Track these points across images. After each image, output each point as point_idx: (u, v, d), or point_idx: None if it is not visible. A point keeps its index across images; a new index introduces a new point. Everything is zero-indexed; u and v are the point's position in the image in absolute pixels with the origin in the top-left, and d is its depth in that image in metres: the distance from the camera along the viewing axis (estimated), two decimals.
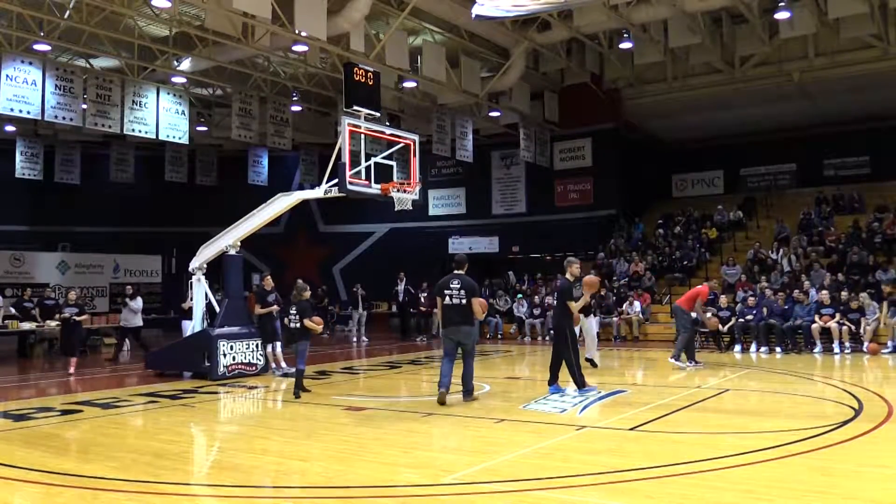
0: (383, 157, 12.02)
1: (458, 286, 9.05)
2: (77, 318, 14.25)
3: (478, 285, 9.47)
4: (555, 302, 10.16)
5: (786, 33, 18.84)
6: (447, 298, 9.10)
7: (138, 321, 16.19)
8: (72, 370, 13.61)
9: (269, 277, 13.52)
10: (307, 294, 11.02)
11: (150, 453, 6.79)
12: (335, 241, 29.44)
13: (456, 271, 9.30)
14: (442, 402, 8.80)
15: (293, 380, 11.99)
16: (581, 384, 9.47)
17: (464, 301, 8.99)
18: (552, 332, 10.29)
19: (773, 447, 6.33)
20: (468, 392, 9.23)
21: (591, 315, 12.93)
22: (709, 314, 14.50)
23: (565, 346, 9.63)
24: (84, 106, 17.81)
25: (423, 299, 20.96)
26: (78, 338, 14.56)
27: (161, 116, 19.13)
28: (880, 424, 7.30)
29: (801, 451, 6.19)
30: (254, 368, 12.61)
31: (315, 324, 10.53)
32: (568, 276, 9.95)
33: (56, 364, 15.93)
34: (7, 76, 16.09)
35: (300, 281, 11.27)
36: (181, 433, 8.16)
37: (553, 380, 9.72)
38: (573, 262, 10.01)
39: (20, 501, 5.38)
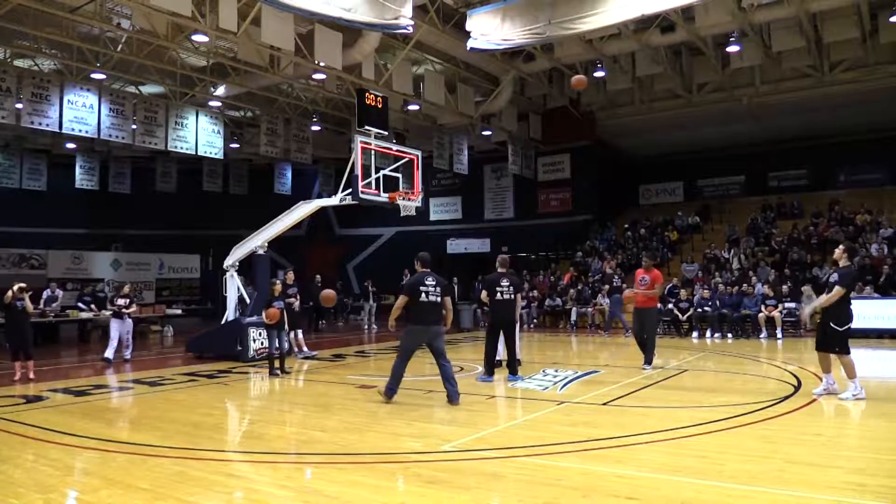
0: (391, 170, 12.01)
1: (434, 283, 7.67)
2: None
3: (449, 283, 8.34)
4: (512, 296, 9.10)
5: (736, 64, 18.85)
6: (423, 296, 7.54)
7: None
8: (31, 374, 9.96)
9: (291, 273, 13.50)
10: (275, 288, 10.84)
11: (190, 424, 6.79)
12: (349, 243, 29.41)
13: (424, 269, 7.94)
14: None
15: (313, 361, 12.06)
16: (491, 371, 9.24)
17: (439, 299, 7.63)
18: (508, 324, 9.16)
19: (725, 419, 6.34)
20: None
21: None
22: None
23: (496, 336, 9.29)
24: (134, 126, 17.77)
25: None
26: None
27: (199, 135, 19.10)
28: (815, 399, 7.32)
29: (749, 422, 6.20)
30: (278, 352, 12.57)
31: (266, 316, 10.38)
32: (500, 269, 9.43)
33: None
34: (69, 101, 16.09)
35: (272, 278, 11.26)
36: (217, 407, 8.16)
37: (514, 370, 9.28)
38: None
39: (80, 465, 5.38)
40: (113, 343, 12.30)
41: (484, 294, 9.35)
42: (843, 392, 7.28)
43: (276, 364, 10.37)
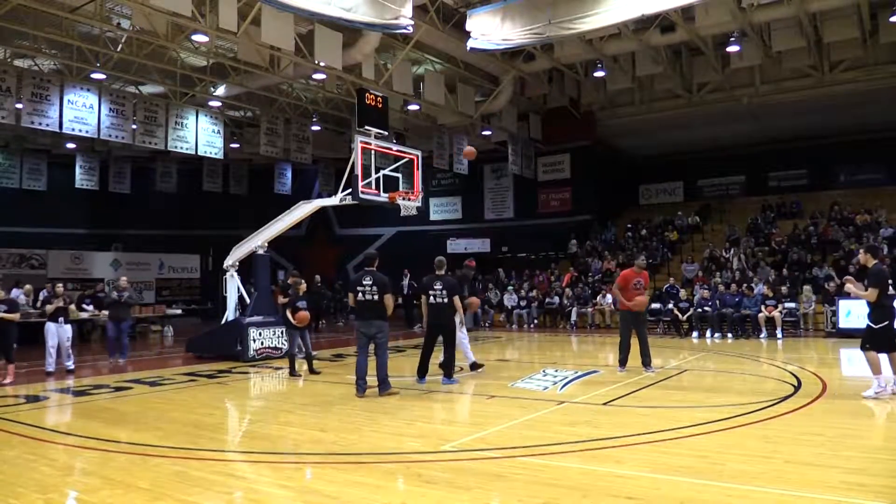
0: (391, 170, 12.01)
1: (370, 283, 8.26)
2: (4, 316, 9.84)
3: (388, 281, 8.40)
4: (444, 300, 8.83)
5: (736, 64, 18.83)
6: (360, 294, 8.27)
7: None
8: (9, 379, 9.78)
9: (293, 275, 13.50)
10: (300, 287, 10.68)
11: (190, 424, 6.79)
12: (349, 242, 29.37)
13: (367, 268, 8.45)
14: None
15: (313, 361, 12.02)
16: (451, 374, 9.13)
17: (376, 297, 8.21)
18: (438, 327, 9.02)
19: (725, 419, 6.34)
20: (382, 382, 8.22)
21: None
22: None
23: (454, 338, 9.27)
24: (134, 126, 17.77)
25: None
26: (9, 340, 9.96)
27: (199, 135, 19.10)
28: (815, 399, 7.31)
29: (749, 422, 6.20)
30: (279, 352, 12.61)
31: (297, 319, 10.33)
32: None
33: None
34: (69, 101, 16.09)
35: (297, 278, 11.17)
36: (217, 407, 8.17)
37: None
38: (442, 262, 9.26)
39: (80, 465, 5.39)
40: (52, 353, 10.85)
41: (351, 297, 8.71)
42: (867, 390, 7.26)
43: (299, 365, 10.46)
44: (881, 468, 4.80)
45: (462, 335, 9.86)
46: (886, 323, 7.21)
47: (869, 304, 7.35)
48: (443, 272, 8.96)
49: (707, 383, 9.25)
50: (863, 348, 7.31)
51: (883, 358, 7.23)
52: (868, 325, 7.34)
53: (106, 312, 17.47)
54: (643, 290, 9.74)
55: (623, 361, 9.76)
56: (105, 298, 12.75)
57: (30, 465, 5.24)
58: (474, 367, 10.17)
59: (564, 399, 7.77)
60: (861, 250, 7.77)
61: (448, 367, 9.11)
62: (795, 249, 18.54)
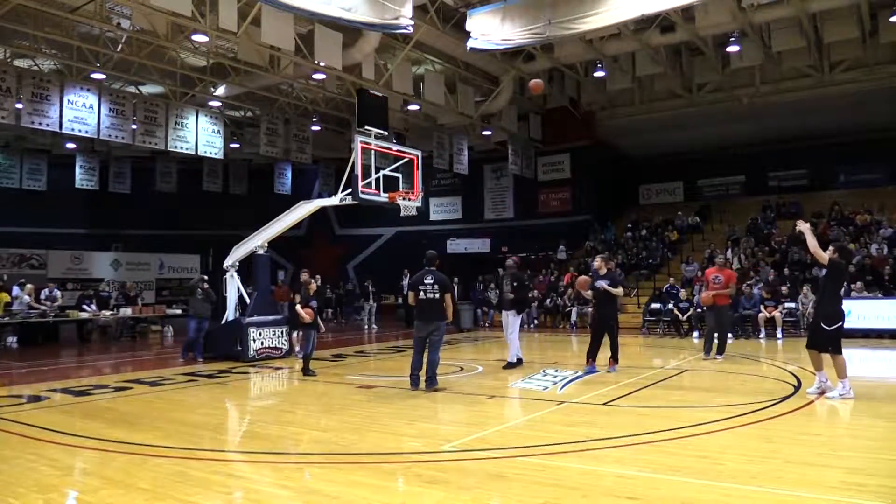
0: (391, 170, 12.01)
1: (432, 282, 8.41)
2: None
3: (450, 281, 8.44)
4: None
5: (736, 64, 18.88)
6: (421, 293, 8.42)
7: None
8: None
9: (305, 274, 13.46)
10: (311, 287, 10.71)
11: (190, 424, 6.79)
12: (349, 242, 29.41)
13: (428, 268, 8.54)
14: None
15: (313, 361, 12.03)
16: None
17: (437, 296, 8.37)
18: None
19: (725, 419, 6.34)
20: (429, 379, 8.36)
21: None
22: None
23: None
24: (134, 126, 17.78)
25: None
26: None
27: (199, 135, 19.10)
28: (815, 399, 7.31)
29: (749, 423, 6.20)
30: (279, 352, 12.61)
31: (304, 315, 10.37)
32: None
33: (110, 348, 15.92)
34: (69, 101, 16.09)
35: (310, 277, 11.15)
36: (217, 407, 8.16)
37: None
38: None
39: (80, 465, 5.38)
40: None
41: (412, 295, 8.62)
42: (831, 391, 7.28)
43: (295, 364, 10.46)
44: (880, 468, 4.80)
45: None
46: (839, 324, 7.24)
47: (823, 303, 7.41)
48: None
49: (707, 383, 9.24)
50: (827, 351, 7.27)
51: (826, 358, 7.32)
52: (822, 328, 7.25)
53: (108, 312, 17.65)
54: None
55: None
56: (192, 295, 12.66)
57: (30, 465, 5.24)
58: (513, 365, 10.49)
59: (564, 399, 7.76)
60: (831, 248, 7.67)
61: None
62: (795, 249, 18.54)
